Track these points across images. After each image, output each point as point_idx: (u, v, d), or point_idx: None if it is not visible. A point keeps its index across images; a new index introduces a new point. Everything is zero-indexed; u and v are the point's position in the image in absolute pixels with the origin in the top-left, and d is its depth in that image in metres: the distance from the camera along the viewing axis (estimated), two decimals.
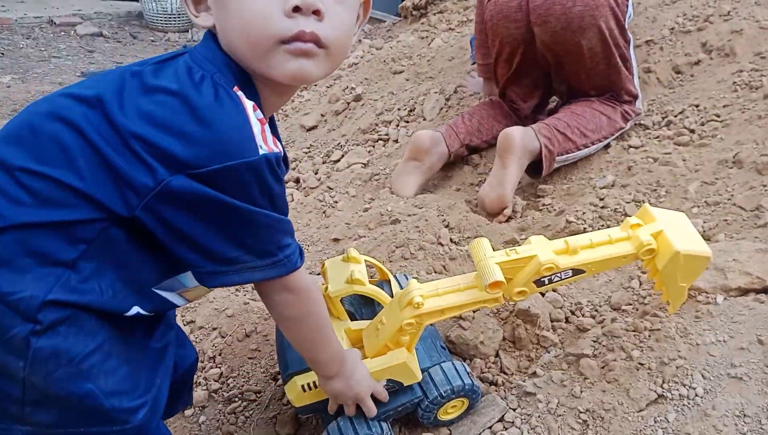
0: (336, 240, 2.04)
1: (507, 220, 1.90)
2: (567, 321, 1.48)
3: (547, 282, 1.14)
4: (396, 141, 2.58)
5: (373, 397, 1.17)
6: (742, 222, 1.52)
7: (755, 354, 1.21)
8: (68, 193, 0.78)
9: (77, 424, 0.85)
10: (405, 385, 1.20)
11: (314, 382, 1.15)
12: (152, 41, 5.79)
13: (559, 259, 1.12)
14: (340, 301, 1.25)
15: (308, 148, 2.82)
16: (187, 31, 6.06)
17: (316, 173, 2.57)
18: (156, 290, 0.91)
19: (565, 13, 1.89)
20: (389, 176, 2.26)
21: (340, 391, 1.12)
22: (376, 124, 2.70)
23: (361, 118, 2.78)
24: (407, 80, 3.00)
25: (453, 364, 1.25)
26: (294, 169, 2.70)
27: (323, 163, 2.66)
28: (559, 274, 1.14)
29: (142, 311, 0.89)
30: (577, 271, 1.15)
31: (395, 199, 2.08)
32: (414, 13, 4.48)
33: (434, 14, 3.88)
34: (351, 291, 1.23)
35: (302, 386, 1.16)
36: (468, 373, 1.24)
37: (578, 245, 1.13)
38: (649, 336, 1.32)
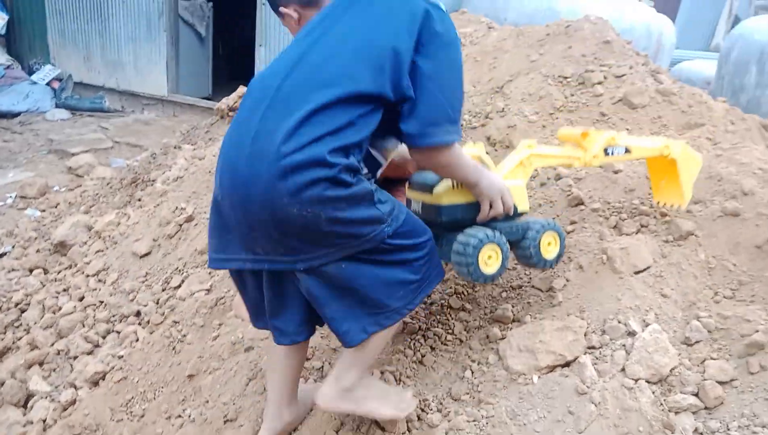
0: (191, 376, 2.06)
1: None
2: (419, 419, 1.66)
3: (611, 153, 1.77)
4: None
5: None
6: (541, 302, 1.83)
7: (568, 423, 1.47)
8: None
9: None
10: (519, 210, 1.63)
11: (458, 184, 1.54)
12: None
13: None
14: None
15: (144, 276, 2.78)
16: None
17: (157, 303, 2.54)
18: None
19: None
20: (234, 298, 2.32)
21: (486, 186, 1.54)
22: None
23: (197, 238, 2.81)
24: None
25: (539, 220, 1.70)
26: (132, 300, 2.65)
27: (163, 290, 2.64)
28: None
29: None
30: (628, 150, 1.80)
31: (244, 324, 2.14)
32: (230, 113, 4.61)
33: None
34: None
35: (451, 185, 1.55)
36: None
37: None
38: (487, 423, 1.53)
